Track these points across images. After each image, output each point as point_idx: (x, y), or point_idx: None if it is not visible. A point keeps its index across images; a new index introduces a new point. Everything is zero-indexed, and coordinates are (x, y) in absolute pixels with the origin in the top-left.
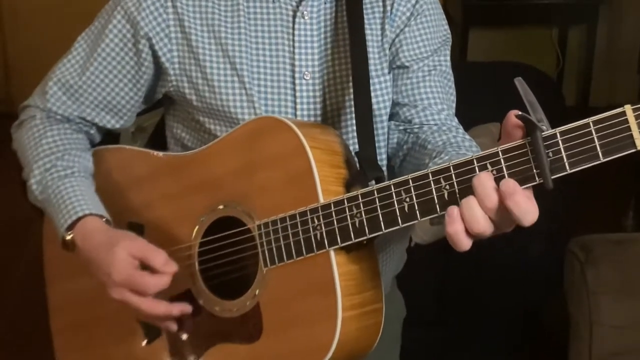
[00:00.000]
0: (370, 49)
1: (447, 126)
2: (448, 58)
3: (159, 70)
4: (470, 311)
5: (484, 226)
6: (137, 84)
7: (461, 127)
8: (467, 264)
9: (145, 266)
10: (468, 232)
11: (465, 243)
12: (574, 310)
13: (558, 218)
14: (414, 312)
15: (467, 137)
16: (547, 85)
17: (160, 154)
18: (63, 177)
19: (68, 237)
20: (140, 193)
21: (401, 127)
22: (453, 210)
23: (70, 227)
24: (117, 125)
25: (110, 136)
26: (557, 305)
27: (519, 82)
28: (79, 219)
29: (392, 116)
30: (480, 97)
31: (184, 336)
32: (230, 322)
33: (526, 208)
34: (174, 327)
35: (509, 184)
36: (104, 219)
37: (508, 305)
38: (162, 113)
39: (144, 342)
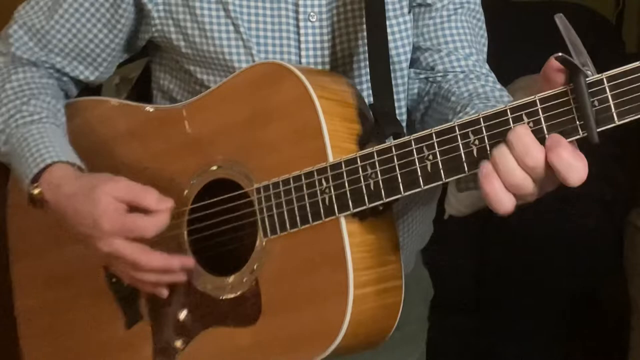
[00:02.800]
0: None
1: (475, 74)
2: None
3: (141, 12)
4: (511, 294)
5: (520, 179)
6: (113, 29)
7: (492, 74)
8: (509, 239)
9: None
10: (507, 187)
11: (506, 202)
12: (635, 292)
13: (614, 185)
14: (446, 294)
15: (498, 86)
16: (604, 28)
17: (145, 106)
18: (29, 123)
19: (34, 191)
20: (122, 152)
21: (422, 76)
22: (487, 166)
23: (36, 179)
24: (92, 78)
25: (89, 89)
26: (615, 287)
27: (560, 19)
28: (47, 166)
29: (412, 63)
30: (525, 43)
31: (170, 318)
32: (224, 301)
33: (571, 162)
34: (164, 292)
35: (554, 137)
36: (75, 166)
37: (556, 286)
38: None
39: (123, 327)
